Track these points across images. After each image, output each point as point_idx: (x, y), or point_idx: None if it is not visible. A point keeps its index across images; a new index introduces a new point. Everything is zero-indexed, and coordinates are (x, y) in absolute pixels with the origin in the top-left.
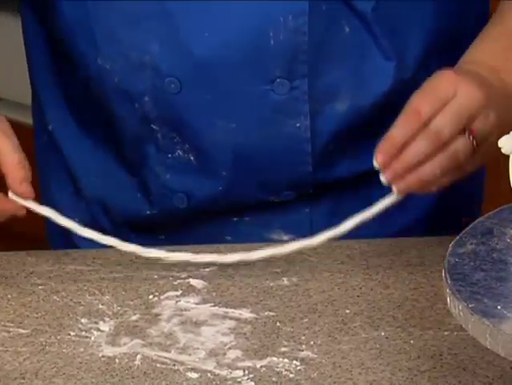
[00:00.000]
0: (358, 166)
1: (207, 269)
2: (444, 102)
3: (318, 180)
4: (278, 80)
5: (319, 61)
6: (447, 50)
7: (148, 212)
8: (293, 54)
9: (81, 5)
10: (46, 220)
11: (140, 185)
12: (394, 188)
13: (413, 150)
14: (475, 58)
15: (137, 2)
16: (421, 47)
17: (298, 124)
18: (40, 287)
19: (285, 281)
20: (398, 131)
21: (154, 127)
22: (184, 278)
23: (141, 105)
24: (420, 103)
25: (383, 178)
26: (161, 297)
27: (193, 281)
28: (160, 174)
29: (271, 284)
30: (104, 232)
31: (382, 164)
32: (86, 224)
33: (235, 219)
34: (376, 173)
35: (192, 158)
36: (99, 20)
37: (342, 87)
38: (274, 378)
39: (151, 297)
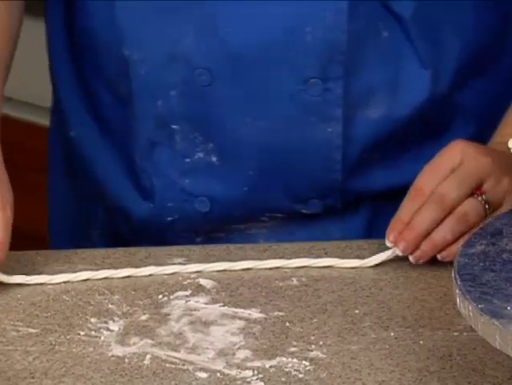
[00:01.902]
0: (387, 181)
1: (217, 270)
2: (446, 174)
3: (348, 190)
4: (311, 80)
5: (355, 63)
6: (485, 66)
7: (170, 218)
8: (329, 54)
9: None
10: (50, 222)
11: (155, 194)
12: (410, 258)
13: (420, 216)
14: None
15: None
16: (458, 59)
17: (329, 129)
18: (50, 286)
19: (294, 281)
20: (405, 210)
21: (174, 127)
22: (194, 278)
23: (166, 101)
24: (423, 180)
25: (397, 250)
26: (171, 296)
27: (202, 281)
28: (176, 180)
29: (281, 284)
30: (126, 241)
31: (393, 243)
32: (105, 234)
33: (257, 230)
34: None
35: (214, 159)
36: (129, 8)
37: (376, 93)
38: (283, 379)
39: (160, 296)
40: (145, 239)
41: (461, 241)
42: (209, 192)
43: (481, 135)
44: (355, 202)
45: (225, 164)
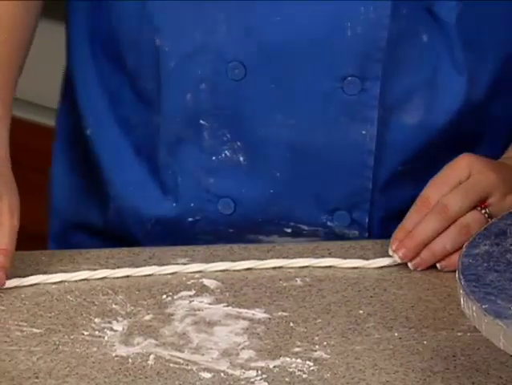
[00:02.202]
0: (415, 197)
1: (220, 269)
2: (454, 186)
3: (376, 203)
4: (349, 78)
5: (393, 64)
6: None
7: (191, 218)
8: (369, 51)
9: None
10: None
11: (178, 194)
12: (409, 265)
13: (422, 226)
14: None
15: None
16: (495, 70)
17: (363, 131)
18: (54, 286)
19: (298, 281)
20: (409, 220)
21: (202, 122)
22: (198, 278)
23: (195, 95)
24: (431, 191)
25: (396, 257)
26: (175, 297)
27: (206, 281)
28: (201, 179)
29: (285, 284)
30: (136, 242)
31: (395, 251)
32: (108, 238)
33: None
34: None
35: (241, 158)
36: None
37: (413, 97)
38: (287, 379)
39: (164, 297)
40: (158, 242)
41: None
42: (233, 193)
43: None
44: (382, 220)
45: (252, 163)
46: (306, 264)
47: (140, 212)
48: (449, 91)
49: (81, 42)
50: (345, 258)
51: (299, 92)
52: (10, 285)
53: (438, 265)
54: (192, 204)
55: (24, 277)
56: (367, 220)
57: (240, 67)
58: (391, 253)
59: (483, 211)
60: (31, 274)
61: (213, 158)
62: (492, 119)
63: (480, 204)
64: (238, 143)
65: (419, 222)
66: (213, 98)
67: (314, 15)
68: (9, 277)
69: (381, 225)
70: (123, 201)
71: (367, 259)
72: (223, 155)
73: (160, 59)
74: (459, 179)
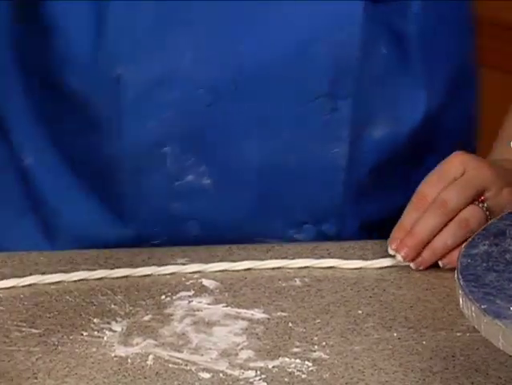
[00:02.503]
0: (382, 209)
1: (219, 270)
2: (450, 182)
3: (346, 216)
4: (321, 99)
5: (361, 81)
6: (462, 91)
7: (156, 241)
8: (340, 70)
9: (95, 9)
10: None
11: (140, 220)
12: (411, 265)
13: (422, 223)
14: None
15: (170, 5)
16: (449, 81)
17: (336, 150)
18: (53, 287)
19: (297, 281)
20: (407, 218)
21: (166, 149)
22: (197, 278)
23: (159, 122)
24: (427, 188)
25: (399, 256)
26: (174, 297)
27: (205, 282)
28: (164, 204)
29: (284, 284)
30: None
31: (395, 251)
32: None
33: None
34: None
35: (207, 182)
36: (124, 24)
37: (380, 111)
38: (286, 379)
39: (163, 297)
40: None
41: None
42: (199, 216)
43: None
44: (358, 229)
45: (218, 186)
46: (305, 264)
47: (96, 240)
48: (410, 103)
49: (4, 69)
50: (344, 258)
51: (271, 115)
52: (9, 286)
53: (440, 262)
54: (155, 229)
55: (23, 277)
56: (333, 233)
57: (209, 93)
58: (391, 252)
59: (480, 205)
60: (30, 274)
61: (177, 183)
62: (445, 131)
63: (477, 198)
64: (203, 167)
65: (418, 219)
66: (179, 125)
67: (287, 37)
68: (7, 278)
69: (358, 234)
70: (75, 231)
71: (367, 259)
72: (187, 179)
73: (120, 88)
74: (454, 175)
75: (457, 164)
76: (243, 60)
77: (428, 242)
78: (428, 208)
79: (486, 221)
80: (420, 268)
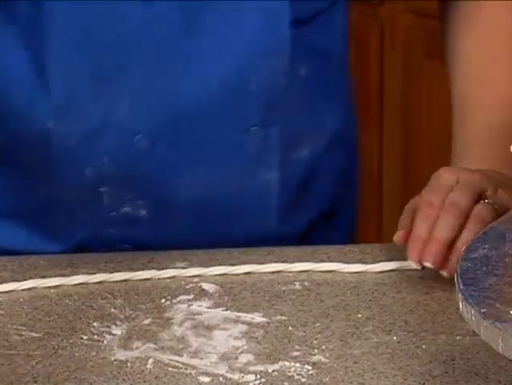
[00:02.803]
0: (313, 214)
1: (219, 273)
2: (450, 189)
3: (282, 234)
4: (253, 128)
5: (287, 105)
6: None
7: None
8: (270, 99)
9: (34, 60)
10: None
11: (75, 244)
12: (443, 273)
13: (440, 226)
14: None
15: (105, 55)
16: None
17: (268, 176)
18: (52, 291)
19: (297, 285)
20: (420, 228)
21: (102, 189)
22: (197, 282)
23: (96, 168)
24: (430, 196)
25: (428, 264)
26: (173, 301)
27: (205, 285)
28: (101, 231)
29: (283, 288)
30: None
31: (418, 261)
32: None
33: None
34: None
35: (144, 212)
36: (57, 78)
37: (306, 131)
38: (285, 383)
39: (163, 301)
40: None
41: None
42: (134, 240)
43: None
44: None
45: (154, 217)
46: (305, 268)
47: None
48: (330, 115)
49: None
50: (344, 262)
51: (206, 150)
52: (8, 289)
53: (444, 272)
54: (91, 247)
55: (22, 281)
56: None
57: (146, 139)
58: (413, 264)
59: (486, 201)
60: (30, 278)
61: (112, 213)
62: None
63: (480, 198)
64: (140, 201)
65: (433, 225)
66: (116, 169)
67: (219, 73)
68: (7, 281)
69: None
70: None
71: (367, 263)
72: (123, 211)
73: (55, 140)
74: (450, 183)
75: (448, 174)
76: (179, 100)
77: (451, 245)
78: (441, 213)
79: (497, 215)
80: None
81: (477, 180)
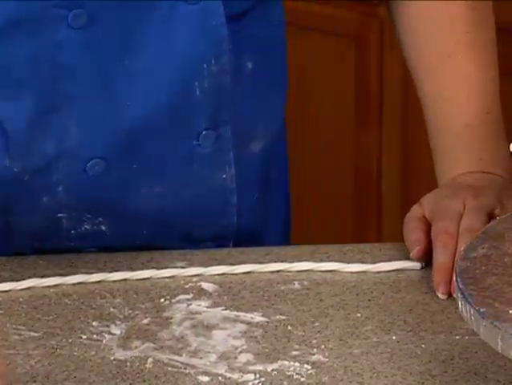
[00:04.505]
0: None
1: (219, 273)
2: (460, 214)
3: (241, 230)
4: (204, 132)
5: (235, 102)
6: None
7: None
8: (218, 100)
9: None
10: None
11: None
12: None
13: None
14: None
15: (49, 90)
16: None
17: (224, 176)
18: (51, 290)
19: (296, 284)
20: (442, 257)
21: (61, 215)
22: (196, 282)
23: (52, 197)
24: (444, 224)
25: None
26: (172, 300)
27: (204, 285)
28: (57, 243)
29: (282, 288)
30: None
31: (447, 293)
32: None
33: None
34: None
35: (104, 228)
36: (8, 117)
37: (256, 125)
38: (285, 382)
39: (162, 300)
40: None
41: None
42: (97, 246)
43: None
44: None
45: (114, 230)
46: (305, 268)
47: None
48: (277, 104)
49: None
50: (343, 262)
51: (161, 162)
52: (7, 289)
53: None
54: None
55: (21, 280)
56: (231, 244)
57: (100, 163)
58: (442, 296)
59: (497, 218)
60: (28, 278)
61: (72, 232)
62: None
63: (491, 218)
64: (100, 219)
65: (454, 253)
66: (73, 196)
67: (164, 88)
68: (6, 281)
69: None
70: None
71: (366, 263)
72: (83, 228)
73: (10, 176)
74: (459, 209)
75: (455, 202)
76: (126, 121)
77: None
78: (459, 241)
79: None
80: None
81: (484, 200)
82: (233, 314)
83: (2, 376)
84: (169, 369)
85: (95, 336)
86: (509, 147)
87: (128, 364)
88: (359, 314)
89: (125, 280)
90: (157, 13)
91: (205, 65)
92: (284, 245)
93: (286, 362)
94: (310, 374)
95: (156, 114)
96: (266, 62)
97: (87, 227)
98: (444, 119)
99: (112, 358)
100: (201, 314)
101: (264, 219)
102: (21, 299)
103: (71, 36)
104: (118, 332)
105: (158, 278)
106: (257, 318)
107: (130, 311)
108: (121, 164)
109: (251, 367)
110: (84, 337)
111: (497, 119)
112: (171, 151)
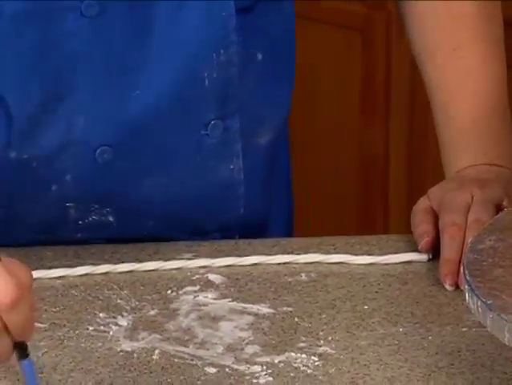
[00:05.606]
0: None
1: (226, 264)
2: (468, 207)
3: (247, 221)
4: (212, 122)
5: (243, 93)
6: None
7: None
8: (225, 91)
9: None
10: None
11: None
12: None
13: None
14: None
15: (57, 77)
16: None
17: (231, 166)
18: (58, 281)
19: (303, 276)
20: (450, 249)
21: (68, 205)
22: (203, 273)
23: (60, 185)
24: (452, 216)
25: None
26: (179, 292)
27: (211, 276)
28: (65, 235)
29: (290, 279)
30: None
31: (454, 285)
32: None
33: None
34: None
35: (111, 218)
36: (16, 106)
37: (263, 116)
38: (292, 374)
39: (169, 292)
40: None
41: None
42: (104, 237)
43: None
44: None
45: (121, 221)
46: (313, 260)
47: None
48: (282, 99)
49: None
50: (350, 253)
51: (168, 151)
52: None
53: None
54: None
55: None
56: (237, 235)
57: (108, 151)
58: (449, 288)
59: (505, 210)
60: (35, 269)
61: (79, 222)
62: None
63: (498, 210)
64: (107, 209)
65: (461, 245)
66: (81, 185)
67: (173, 78)
68: None
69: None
70: None
71: (373, 255)
72: (90, 219)
73: (17, 166)
74: (467, 202)
75: (462, 194)
76: (135, 108)
77: None
78: (467, 233)
79: None
80: None
81: (491, 192)
82: (240, 305)
83: (28, 288)
84: (176, 360)
85: (101, 327)
86: None
87: (135, 355)
88: (366, 306)
89: (132, 271)
90: (168, 2)
91: (214, 55)
92: (289, 237)
93: (293, 354)
94: (317, 365)
95: (165, 103)
96: (276, 54)
97: (94, 218)
98: (449, 113)
99: (119, 349)
100: (207, 305)
101: (268, 209)
102: None
103: (82, 25)
104: (125, 323)
105: (165, 270)
106: (264, 309)
107: (137, 303)
108: (129, 153)
109: (258, 359)
110: (91, 328)
111: (504, 113)
112: (179, 140)
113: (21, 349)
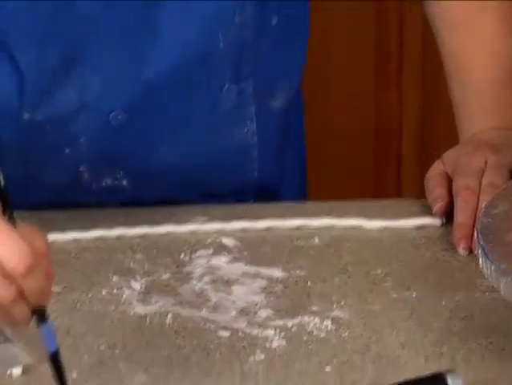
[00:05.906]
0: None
1: (239, 228)
2: (482, 171)
3: (261, 185)
4: (226, 86)
5: (258, 58)
6: None
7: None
8: (240, 54)
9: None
10: None
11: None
12: None
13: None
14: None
15: (71, 40)
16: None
17: (245, 130)
18: (72, 245)
19: (316, 240)
20: (464, 213)
21: (82, 168)
22: (216, 237)
23: (74, 148)
24: (466, 180)
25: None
26: (193, 256)
27: (224, 240)
28: (78, 200)
29: (302, 243)
30: None
31: (467, 249)
32: None
33: None
34: None
35: (124, 183)
36: (30, 65)
37: (277, 80)
38: (304, 338)
39: (182, 255)
40: None
41: None
42: (117, 200)
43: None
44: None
45: (135, 185)
46: (326, 224)
47: None
48: (296, 65)
49: None
50: (363, 218)
51: (183, 115)
52: None
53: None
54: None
55: None
56: (252, 199)
57: (122, 114)
58: (463, 252)
59: None
60: (48, 232)
61: (93, 186)
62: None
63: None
64: (121, 173)
65: (475, 209)
66: (95, 148)
67: (187, 37)
68: None
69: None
70: None
71: (386, 219)
72: (103, 182)
73: (31, 128)
74: (481, 166)
75: (477, 157)
76: (149, 70)
77: None
78: (481, 196)
79: None
80: None
81: (505, 157)
82: (253, 269)
83: (44, 254)
84: (189, 324)
85: (114, 291)
86: None
87: (148, 319)
88: (379, 271)
89: (145, 235)
90: None
91: (229, 17)
92: (303, 201)
93: (306, 318)
94: (330, 330)
95: (180, 65)
96: (291, 19)
97: (107, 181)
98: (466, 73)
99: (132, 313)
100: (221, 269)
101: (282, 173)
102: None
103: None
104: (138, 287)
105: (178, 233)
106: (277, 273)
107: (150, 266)
108: (143, 116)
109: (271, 323)
110: (104, 292)
111: None
112: (193, 104)
113: (39, 314)
